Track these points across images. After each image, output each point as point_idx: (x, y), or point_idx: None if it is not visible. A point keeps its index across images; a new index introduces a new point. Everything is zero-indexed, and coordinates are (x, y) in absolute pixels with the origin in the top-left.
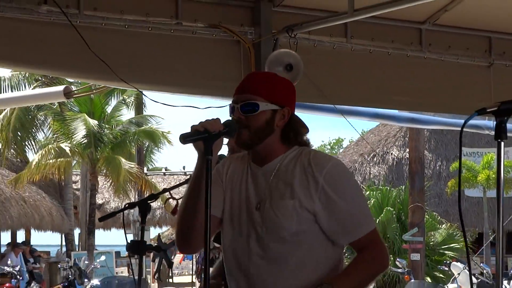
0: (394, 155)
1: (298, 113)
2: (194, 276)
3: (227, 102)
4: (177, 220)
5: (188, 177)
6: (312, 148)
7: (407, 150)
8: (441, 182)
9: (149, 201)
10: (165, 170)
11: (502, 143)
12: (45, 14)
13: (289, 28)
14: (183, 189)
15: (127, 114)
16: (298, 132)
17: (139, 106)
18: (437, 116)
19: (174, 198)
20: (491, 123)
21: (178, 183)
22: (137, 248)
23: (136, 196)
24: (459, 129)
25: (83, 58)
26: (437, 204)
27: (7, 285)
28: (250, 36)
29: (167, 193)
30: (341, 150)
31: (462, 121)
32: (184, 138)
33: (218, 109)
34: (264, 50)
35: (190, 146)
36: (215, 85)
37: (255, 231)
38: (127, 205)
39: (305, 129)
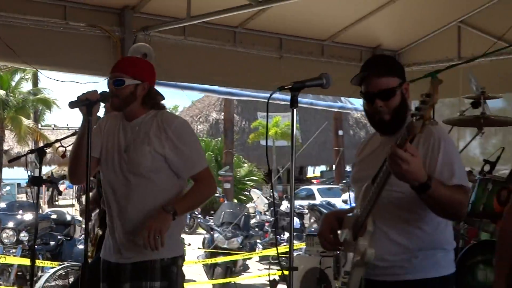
0: (214, 117)
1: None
2: (74, 200)
3: (101, 79)
4: (69, 161)
5: (72, 131)
6: (165, 110)
7: (223, 113)
8: (245, 135)
9: (45, 148)
10: (54, 126)
11: (295, 110)
12: None
13: (144, 28)
14: (69, 140)
15: (26, 86)
16: (155, 100)
17: (36, 81)
18: (244, 90)
19: (62, 146)
20: (284, 96)
21: (65, 135)
22: (35, 181)
23: (33, 145)
24: (259, 99)
25: None
26: (242, 150)
27: None
28: (118, 33)
29: (58, 142)
30: (177, 113)
31: (262, 94)
32: (72, 104)
33: (95, 84)
34: (127, 43)
35: (76, 110)
36: (92, 66)
37: (122, 167)
38: (29, 151)
39: (161, 97)
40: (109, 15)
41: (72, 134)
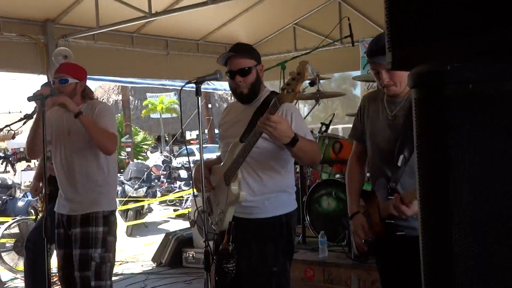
0: (113, 98)
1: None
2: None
3: (32, 75)
4: (28, 141)
5: (19, 116)
6: (95, 100)
7: (121, 95)
8: (138, 111)
9: None
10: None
11: (199, 98)
12: None
13: (63, 36)
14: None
15: None
16: (88, 93)
17: None
18: (138, 79)
19: (12, 130)
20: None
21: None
22: None
23: None
24: (149, 85)
25: None
26: (137, 122)
27: None
28: (43, 40)
29: (8, 127)
30: None
31: (151, 81)
32: (30, 98)
33: (28, 80)
34: (50, 48)
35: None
36: (24, 66)
37: (67, 146)
38: None
39: (91, 91)
40: (35, 26)
41: (19, 120)
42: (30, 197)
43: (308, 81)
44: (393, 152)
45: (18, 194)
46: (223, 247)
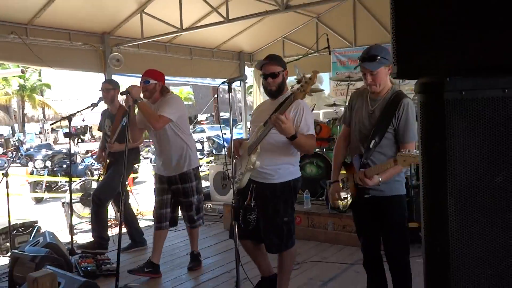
0: None
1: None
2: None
3: (93, 73)
4: (130, 133)
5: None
6: (169, 94)
7: None
8: None
9: (71, 116)
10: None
11: (231, 94)
12: None
13: (116, 44)
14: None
15: (35, 76)
16: (165, 90)
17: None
18: (183, 78)
19: (82, 114)
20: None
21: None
22: (68, 135)
23: (42, 110)
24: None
25: None
26: None
27: None
28: (101, 48)
29: (79, 113)
30: None
31: (192, 79)
32: (122, 93)
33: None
34: (107, 53)
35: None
36: (87, 66)
37: (155, 131)
38: (62, 118)
39: (168, 90)
40: (95, 37)
41: (88, 107)
42: (87, 163)
43: (295, 79)
44: (368, 136)
45: (79, 159)
46: (247, 203)
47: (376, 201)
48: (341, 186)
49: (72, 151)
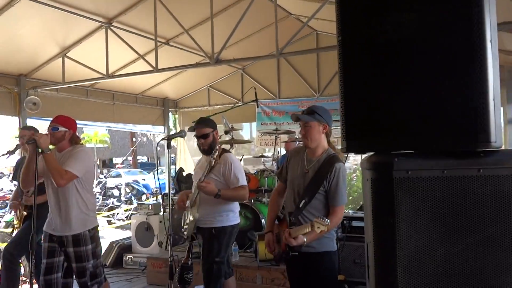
0: None
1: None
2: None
3: (6, 117)
4: (23, 174)
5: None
6: (79, 144)
7: None
8: None
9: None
10: None
11: (169, 151)
12: None
13: (34, 87)
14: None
15: None
16: (75, 139)
17: None
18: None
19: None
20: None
21: None
22: None
23: None
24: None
25: None
26: None
27: None
28: (16, 90)
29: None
30: None
31: (114, 125)
32: (27, 142)
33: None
34: (22, 96)
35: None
36: (2, 109)
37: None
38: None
39: (79, 139)
40: (11, 79)
41: (3, 154)
42: None
43: (223, 130)
44: (300, 195)
45: None
46: (184, 261)
47: (307, 256)
48: (273, 237)
49: None
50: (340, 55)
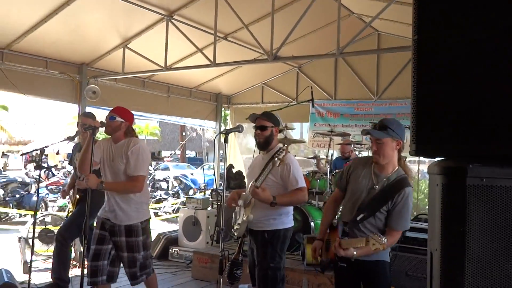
0: None
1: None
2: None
3: (67, 104)
4: (80, 159)
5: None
6: (133, 138)
7: None
8: None
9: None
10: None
11: (226, 145)
12: None
13: (94, 76)
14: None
15: None
16: (131, 131)
17: None
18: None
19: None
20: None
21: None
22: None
23: None
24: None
25: None
26: None
27: None
28: (78, 78)
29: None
30: None
31: (168, 117)
32: (86, 128)
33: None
34: (83, 85)
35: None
36: (62, 97)
37: (110, 170)
38: (34, 149)
39: (134, 132)
40: (73, 67)
41: (64, 140)
42: (43, 194)
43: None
44: (360, 208)
45: (33, 190)
46: (235, 257)
47: (361, 264)
48: (323, 244)
49: (28, 181)
50: (415, 55)
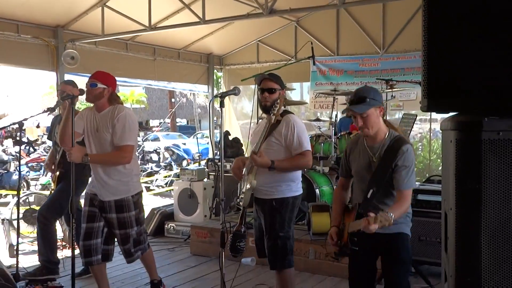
0: None
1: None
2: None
3: (42, 71)
4: (60, 132)
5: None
6: (118, 105)
7: None
8: None
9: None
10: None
11: (222, 109)
12: None
13: (71, 40)
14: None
15: None
16: (115, 98)
17: None
18: (129, 78)
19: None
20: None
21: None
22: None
23: None
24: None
25: None
26: None
27: None
28: (53, 43)
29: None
30: None
31: (154, 83)
32: (63, 98)
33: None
34: (60, 50)
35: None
36: (37, 64)
37: (95, 141)
38: (11, 123)
39: (119, 99)
40: (48, 30)
41: (43, 112)
42: (23, 172)
43: None
44: (367, 186)
45: (12, 168)
46: (237, 228)
47: (381, 237)
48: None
49: (6, 158)
50: (426, 6)
